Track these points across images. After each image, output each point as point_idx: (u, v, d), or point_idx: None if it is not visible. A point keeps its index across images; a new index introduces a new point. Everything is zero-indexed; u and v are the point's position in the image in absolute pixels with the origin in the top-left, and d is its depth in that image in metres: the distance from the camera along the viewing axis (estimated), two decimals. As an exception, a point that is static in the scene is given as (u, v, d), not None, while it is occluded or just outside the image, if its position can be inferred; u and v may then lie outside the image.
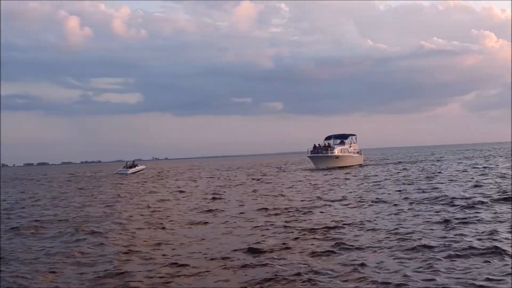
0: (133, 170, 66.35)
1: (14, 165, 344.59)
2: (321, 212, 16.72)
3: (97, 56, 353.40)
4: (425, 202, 17.85)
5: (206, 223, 15.25)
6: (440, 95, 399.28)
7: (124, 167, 68.38)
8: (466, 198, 17.92)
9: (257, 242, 11.52)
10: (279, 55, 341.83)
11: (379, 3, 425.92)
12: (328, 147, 54.47)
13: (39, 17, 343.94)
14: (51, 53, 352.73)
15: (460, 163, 50.79)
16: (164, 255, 10.65)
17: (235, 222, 15.07)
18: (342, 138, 58.30)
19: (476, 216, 13.90)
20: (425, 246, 10.26)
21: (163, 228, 14.47)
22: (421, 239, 11.00)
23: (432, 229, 12.25)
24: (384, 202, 18.48)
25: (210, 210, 18.37)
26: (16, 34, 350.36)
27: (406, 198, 19.27)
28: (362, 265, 9.03)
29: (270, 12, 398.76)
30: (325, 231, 12.68)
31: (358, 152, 59.40)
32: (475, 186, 23.05)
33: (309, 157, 56.18)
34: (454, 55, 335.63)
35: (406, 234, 11.77)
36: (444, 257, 9.34)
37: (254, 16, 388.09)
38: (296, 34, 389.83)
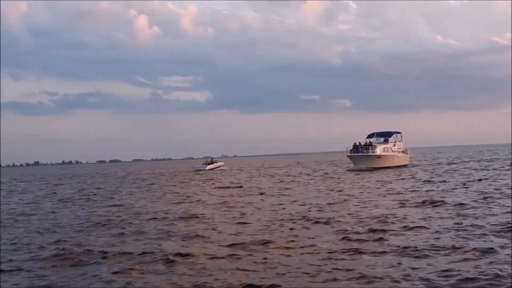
0: (211, 166, 68.73)
1: (87, 162, 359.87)
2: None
3: (166, 55, 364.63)
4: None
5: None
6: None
7: (203, 163, 70.61)
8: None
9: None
10: (346, 51, 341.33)
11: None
12: (369, 146, 51.51)
13: (110, 16, 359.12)
14: (121, 51, 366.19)
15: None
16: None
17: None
18: (385, 136, 55.31)
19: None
20: None
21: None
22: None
23: None
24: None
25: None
26: (87, 33, 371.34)
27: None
28: None
29: (337, 8, 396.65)
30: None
31: (403, 152, 55.92)
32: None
33: (348, 156, 53.16)
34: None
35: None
36: None
37: (321, 13, 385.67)
38: (364, 30, 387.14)
